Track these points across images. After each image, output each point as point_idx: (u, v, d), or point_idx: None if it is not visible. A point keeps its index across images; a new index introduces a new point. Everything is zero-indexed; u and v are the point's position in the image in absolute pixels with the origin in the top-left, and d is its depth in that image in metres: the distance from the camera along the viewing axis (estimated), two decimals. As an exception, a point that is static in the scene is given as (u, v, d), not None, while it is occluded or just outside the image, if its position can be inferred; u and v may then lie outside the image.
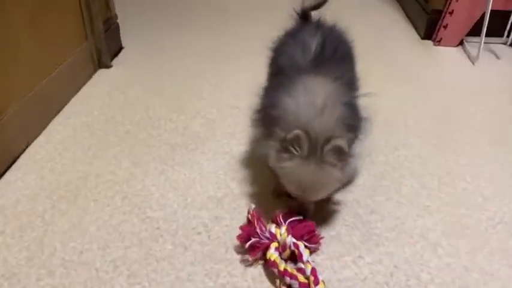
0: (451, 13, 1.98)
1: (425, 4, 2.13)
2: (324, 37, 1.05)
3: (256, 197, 1.12)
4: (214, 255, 0.97)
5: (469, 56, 1.93)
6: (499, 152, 1.33)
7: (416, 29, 2.23)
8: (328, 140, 0.86)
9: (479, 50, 1.85)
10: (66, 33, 1.55)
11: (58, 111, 1.48)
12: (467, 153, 1.32)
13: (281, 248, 0.92)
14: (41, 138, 1.35)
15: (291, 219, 0.96)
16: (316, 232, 0.96)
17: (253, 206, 1.01)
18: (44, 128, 1.39)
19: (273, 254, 0.91)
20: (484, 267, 0.95)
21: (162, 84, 1.69)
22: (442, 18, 2.02)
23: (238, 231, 0.96)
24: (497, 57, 1.95)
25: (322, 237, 0.97)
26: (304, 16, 1.17)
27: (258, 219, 0.96)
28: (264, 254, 0.93)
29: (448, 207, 1.12)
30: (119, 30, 1.91)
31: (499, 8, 1.88)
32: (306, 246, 0.92)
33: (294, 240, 0.92)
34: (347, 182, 0.95)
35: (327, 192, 0.95)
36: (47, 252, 0.97)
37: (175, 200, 1.12)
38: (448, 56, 2.00)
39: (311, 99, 0.91)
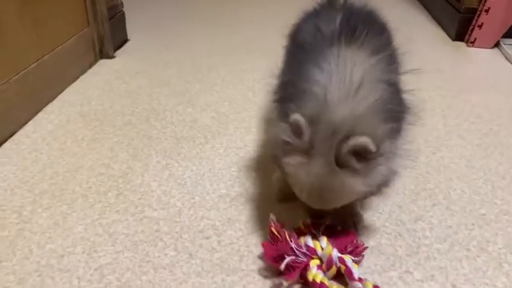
0: (487, 11, 1.81)
1: (456, 3, 1.96)
2: (350, 10, 0.88)
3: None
4: (227, 264, 0.78)
5: (508, 58, 1.75)
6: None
7: (445, 30, 2.06)
8: (346, 138, 0.65)
9: (520, 51, 1.68)
10: (65, 14, 1.39)
11: (51, 99, 1.31)
12: (521, 157, 1.13)
13: (325, 266, 0.71)
14: (28, 127, 1.18)
15: (322, 226, 0.76)
16: (358, 241, 0.77)
17: (273, 216, 0.78)
18: (33, 116, 1.22)
19: (317, 274, 0.70)
20: None
21: (170, 76, 1.52)
22: (476, 17, 1.85)
23: (255, 236, 0.78)
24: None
25: (366, 248, 0.77)
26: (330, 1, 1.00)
27: (289, 233, 0.75)
28: (302, 275, 0.72)
29: (507, 215, 0.92)
30: (124, 19, 1.75)
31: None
32: (352, 261, 0.72)
33: (339, 254, 0.72)
34: (377, 189, 0.72)
35: (342, 203, 0.72)
36: (19, 255, 0.78)
37: (179, 198, 0.94)
38: (484, 57, 1.81)
39: (344, 73, 0.70)
